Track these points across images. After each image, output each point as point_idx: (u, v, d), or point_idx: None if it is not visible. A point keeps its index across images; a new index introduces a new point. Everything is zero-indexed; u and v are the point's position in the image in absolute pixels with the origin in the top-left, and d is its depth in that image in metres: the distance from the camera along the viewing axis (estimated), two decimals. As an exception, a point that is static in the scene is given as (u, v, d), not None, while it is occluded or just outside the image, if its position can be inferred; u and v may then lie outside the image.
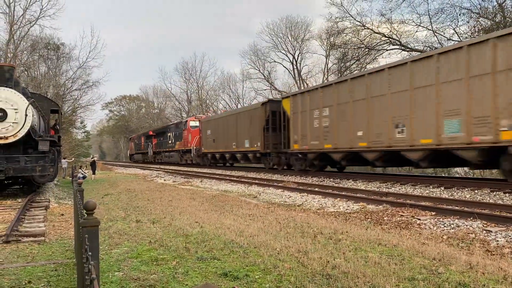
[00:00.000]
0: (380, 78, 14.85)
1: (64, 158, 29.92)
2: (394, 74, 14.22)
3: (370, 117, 15.33)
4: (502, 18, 24.92)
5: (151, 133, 48.67)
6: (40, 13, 30.90)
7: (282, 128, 21.68)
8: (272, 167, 23.57)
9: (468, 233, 6.97)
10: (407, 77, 13.64)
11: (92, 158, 32.34)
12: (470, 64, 11.55)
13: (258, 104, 24.85)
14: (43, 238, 7.20)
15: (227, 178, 20.68)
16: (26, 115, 12.92)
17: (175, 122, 44.79)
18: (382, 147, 14.79)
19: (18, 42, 31.45)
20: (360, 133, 15.80)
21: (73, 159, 33.61)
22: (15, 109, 12.82)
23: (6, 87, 12.98)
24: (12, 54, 30.40)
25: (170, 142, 41.11)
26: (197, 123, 35.11)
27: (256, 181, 17.84)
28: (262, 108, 23.53)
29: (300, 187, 14.72)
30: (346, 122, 16.58)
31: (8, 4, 29.91)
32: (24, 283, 4.74)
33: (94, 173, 29.15)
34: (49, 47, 35.92)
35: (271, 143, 22.81)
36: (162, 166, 39.96)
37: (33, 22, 31.32)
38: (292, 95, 20.92)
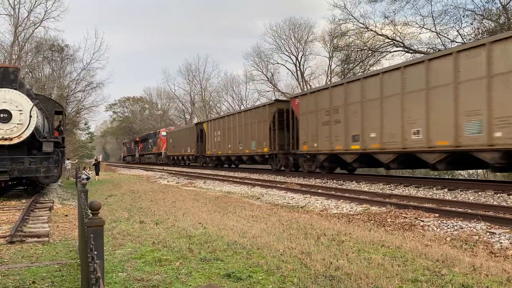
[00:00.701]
0: (394, 77, 14.42)
1: (68, 159, 30.07)
2: (409, 73, 13.80)
3: (383, 118, 14.88)
4: (506, 19, 24.86)
5: (137, 139, 59.53)
6: (44, 15, 31.15)
7: (291, 128, 21.46)
8: (279, 169, 23.24)
9: (472, 235, 6.95)
10: (423, 77, 13.23)
11: (96, 160, 32.50)
12: (490, 63, 11.20)
13: (263, 105, 24.78)
14: (47, 238, 7.23)
15: (230, 179, 20.69)
16: (30, 116, 12.99)
17: (153, 131, 56.00)
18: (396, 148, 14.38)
19: (23, 43, 31.64)
20: (373, 135, 15.42)
21: (76, 160, 33.75)
22: (19, 110, 12.90)
23: (10, 88, 13.07)
24: (16, 56, 30.59)
25: (149, 146, 52.60)
26: (167, 131, 45.41)
27: (259, 183, 17.84)
28: (269, 108, 23.61)
29: (303, 189, 14.72)
30: (357, 123, 16.35)
31: (13, 6, 30.14)
32: (28, 283, 4.77)
33: (98, 174, 29.29)
34: (53, 49, 36.11)
35: (278, 144, 22.83)
36: (165, 168, 40.06)
37: (38, 24, 31.57)
38: (301, 95, 20.80)
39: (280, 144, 22.49)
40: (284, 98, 25.09)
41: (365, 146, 15.83)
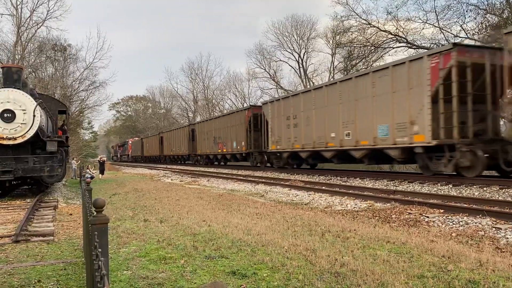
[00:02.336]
0: (334, 90, 18.01)
1: (73, 159, 30.22)
2: (343, 87, 17.35)
3: (327, 122, 18.37)
4: (510, 14, 24.70)
5: (119, 144, 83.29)
6: (47, 15, 31.15)
7: (264, 130, 24.90)
8: (256, 165, 26.97)
9: (477, 231, 6.92)
10: (352, 90, 16.92)
11: (101, 159, 32.68)
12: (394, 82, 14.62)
13: (242, 110, 29.11)
14: (52, 237, 7.24)
15: (234, 177, 20.69)
16: (34, 116, 13.01)
17: (125, 141, 78.06)
18: (336, 147, 17.94)
19: (26, 43, 31.70)
20: (319, 135, 18.99)
21: (79, 161, 33.88)
22: (23, 110, 12.93)
23: (14, 88, 13.09)
24: (19, 56, 30.64)
25: (124, 150, 75.97)
26: (132, 141, 68.34)
27: (263, 180, 17.84)
28: (246, 112, 28.08)
29: (307, 186, 14.70)
30: (310, 127, 19.78)
31: (15, 6, 30.17)
32: (33, 282, 4.78)
33: (102, 173, 29.44)
34: (56, 49, 36.14)
35: (254, 144, 26.82)
36: (169, 166, 40.12)
37: (40, 24, 31.58)
38: (270, 102, 24.55)
39: (256, 144, 26.35)
40: (259, 104, 28.60)
41: (314, 146, 19.34)
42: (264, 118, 24.67)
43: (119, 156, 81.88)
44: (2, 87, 13.39)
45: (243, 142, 27.24)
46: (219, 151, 31.63)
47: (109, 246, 5.68)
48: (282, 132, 22.15)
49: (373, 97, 15.49)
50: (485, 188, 11.23)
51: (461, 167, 12.60)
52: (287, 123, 21.67)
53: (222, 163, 34.28)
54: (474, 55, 12.68)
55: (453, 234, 6.75)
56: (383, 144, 15.02)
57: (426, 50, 21.52)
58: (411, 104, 13.68)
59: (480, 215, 7.86)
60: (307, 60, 50.13)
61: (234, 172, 25.46)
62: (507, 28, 13.01)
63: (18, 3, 30.22)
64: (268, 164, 25.95)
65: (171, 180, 23.14)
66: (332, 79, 35.22)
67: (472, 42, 23.20)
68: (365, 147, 15.99)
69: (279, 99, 23.41)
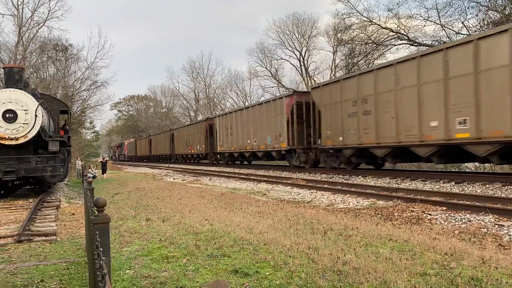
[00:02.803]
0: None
1: (78, 159, 30.35)
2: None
3: (420, 107, 13.58)
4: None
5: (117, 145, 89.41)
6: (48, 15, 31.13)
7: (312, 122, 20.38)
8: (298, 166, 22.09)
9: (480, 228, 6.90)
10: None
11: (103, 159, 32.85)
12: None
13: (280, 97, 23.44)
14: (54, 237, 7.26)
15: (236, 176, 20.69)
16: (36, 116, 13.03)
17: (121, 142, 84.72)
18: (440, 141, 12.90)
19: (27, 43, 31.71)
20: (409, 126, 14.11)
21: (83, 161, 34.01)
22: (25, 110, 12.94)
23: (16, 88, 13.11)
24: (21, 56, 30.67)
25: (122, 150, 79.46)
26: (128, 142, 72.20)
27: (265, 179, 17.83)
28: (204, 123, 27.58)
29: (309, 184, 14.69)
30: (237, 137, 19.25)
31: (16, 6, 30.19)
32: (36, 282, 4.79)
33: (105, 172, 29.54)
34: (57, 49, 36.16)
35: (209, 146, 25.33)
36: (171, 165, 40.15)
37: (41, 24, 31.57)
38: (325, 84, 19.51)
39: (299, 139, 21.27)
40: (304, 90, 25.02)
41: (400, 139, 14.42)
42: (313, 106, 20.06)
43: (117, 155, 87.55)
44: (4, 88, 13.41)
45: (282, 137, 22.24)
46: (248, 148, 26.79)
47: (111, 246, 5.70)
48: (342, 123, 17.44)
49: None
50: (487, 185, 11.21)
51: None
52: (351, 111, 16.82)
53: (246, 162, 30.76)
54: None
55: (456, 232, 6.74)
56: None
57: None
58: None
59: (483, 212, 7.84)
60: (308, 58, 50.09)
61: (236, 170, 25.45)
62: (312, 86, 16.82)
63: (19, 3, 30.26)
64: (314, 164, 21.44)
65: (173, 179, 23.16)
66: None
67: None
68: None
69: (338, 80, 18.36)
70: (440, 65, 12.75)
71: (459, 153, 13.04)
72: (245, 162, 31.26)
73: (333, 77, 42.06)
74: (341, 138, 17.74)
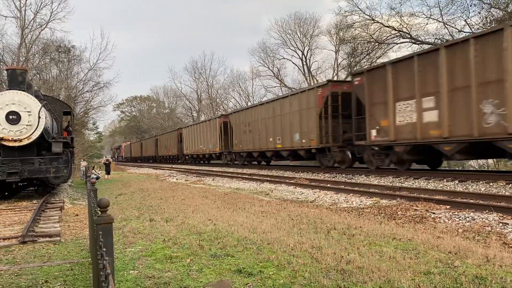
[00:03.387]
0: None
1: (82, 160, 30.50)
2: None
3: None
4: (515, 8, 24.50)
5: (116, 147, 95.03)
6: (50, 17, 31.26)
7: (354, 115, 17.46)
8: (332, 166, 19.62)
9: (484, 226, 6.88)
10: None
11: (107, 160, 33.10)
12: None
13: (311, 88, 20.69)
14: (58, 238, 7.28)
15: (239, 176, 20.70)
16: (39, 117, 13.07)
17: (119, 144, 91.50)
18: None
19: (30, 45, 31.82)
20: (262, 141, 16.79)
21: (87, 162, 34.17)
22: (28, 111, 12.98)
23: (19, 90, 13.15)
24: (24, 58, 30.78)
25: (121, 152, 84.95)
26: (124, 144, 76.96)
27: (268, 178, 17.83)
28: (218, 120, 26.58)
29: (312, 184, 14.68)
30: (257, 135, 19.46)
31: (19, 8, 30.29)
32: (41, 283, 4.80)
33: (109, 173, 29.70)
34: (60, 50, 36.28)
35: (224, 146, 23.76)
36: (174, 166, 40.21)
37: (44, 26, 31.69)
38: (370, 70, 16.72)
39: (334, 136, 18.56)
40: (341, 80, 22.37)
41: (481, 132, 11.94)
42: (354, 97, 17.13)
43: (116, 156, 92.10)
44: (7, 89, 13.46)
45: (312, 134, 19.40)
46: (270, 147, 23.92)
47: (115, 246, 5.71)
48: (394, 117, 14.58)
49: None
50: (491, 184, 11.17)
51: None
52: (406, 105, 14.01)
53: (265, 163, 28.27)
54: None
55: (460, 230, 6.72)
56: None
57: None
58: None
59: (487, 211, 7.81)
60: (310, 57, 50.04)
61: (239, 170, 25.45)
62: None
63: (22, 5, 30.37)
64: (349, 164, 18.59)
65: (177, 179, 23.19)
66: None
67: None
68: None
69: (395, 62, 15.02)
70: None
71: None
72: (263, 163, 28.51)
73: (336, 77, 41.91)
74: (391, 133, 14.88)
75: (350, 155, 18.15)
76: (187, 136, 41.44)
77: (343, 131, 18.44)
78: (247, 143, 27.17)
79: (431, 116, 13.39)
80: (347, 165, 18.41)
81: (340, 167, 18.64)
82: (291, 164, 27.80)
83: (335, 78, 41.81)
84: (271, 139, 23.68)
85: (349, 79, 19.42)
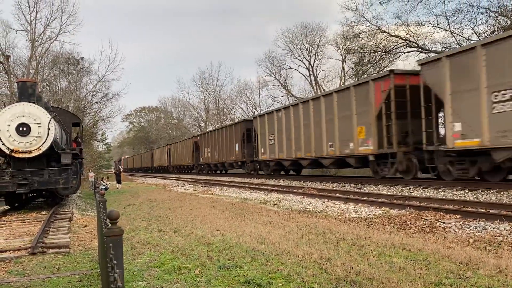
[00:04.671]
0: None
1: (90, 171, 30.78)
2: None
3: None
4: (522, 15, 24.42)
5: (118, 160, 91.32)
6: (60, 30, 31.68)
7: (254, 141, 26.51)
8: (250, 173, 28.64)
9: (496, 236, 6.79)
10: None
11: (118, 169, 33.66)
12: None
13: (367, 80, 16.88)
14: (67, 249, 7.30)
15: (246, 185, 20.67)
16: (48, 129, 13.19)
17: (120, 158, 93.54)
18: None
19: (40, 58, 32.24)
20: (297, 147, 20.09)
21: (95, 173, 34.54)
22: (38, 123, 13.12)
23: (29, 102, 13.31)
24: (34, 70, 31.18)
25: (121, 164, 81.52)
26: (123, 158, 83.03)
27: (275, 188, 17.78)
28: (240, 126, 30.02)
29: (321, 193, 14.61)
30: (290, 141, 20.93)
31: (29, 22, 30.76)
32: (50, 294, 4.81)
33: (120, 182, 30.10)
34: (69, 62, 36.73)
35: (247, 154, 28.50)
36: (182, 176, 40.26)
37: (54, 39, 32.11)
38: (259, 116, 25.91)
39: (403, 139, 15.54)
40: (407, 70, 17.52)
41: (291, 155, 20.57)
42: (255, 131, 18.90)
43: (118, 168, 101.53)
44: (18, 101, 13.62)
45: (371, 139, 16.04)
46: (308, 154, 20.63)
47: (124, 257, 5.71)
48: (267, 145, 16.01)
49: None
50: (502, 193, 11.04)
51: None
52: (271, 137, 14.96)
53: (294, 173, 25.86)
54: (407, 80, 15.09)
55: (471, 240, 6.64)
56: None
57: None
58: None
59: (498, 220, 7.72)
60: (317, 67, 50.03)
61: (247, 180, 25.43)
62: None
63: (32, 18, 30.83)
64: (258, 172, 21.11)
65: (184, 189, 23.21)
66: None
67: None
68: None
69: (263, 115, 16.96)
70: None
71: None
72: (292, 173, 25.99)
73: (343, 85, 41.92)
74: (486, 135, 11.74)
75: (417, 163, 15.02)
76: (203, 145, 39.52)
77: (410, 133, 15.47)
78: (275, 151, 24.15)
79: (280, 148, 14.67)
80: (413, 176, 15.28)
81: (403, 178, 15.50)
82: (317, 174, 27.32)
83: (342, 85, 41.66)
84: (309, 146, 20.60)
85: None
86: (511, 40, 11.03)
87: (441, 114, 14.73)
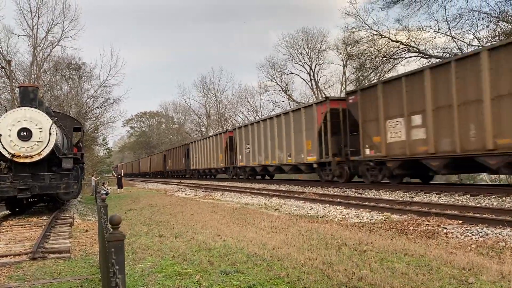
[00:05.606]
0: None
1: (92, 176, 30.85)
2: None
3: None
4: (523, 21, 24.45)
5: (114, 166, 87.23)
6: (61, 35, 31.75)
7: (349, 131, 18.21)
8: (232, 177, 24.61)
9: (498, 241, 6.76)
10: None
11: (119, 174, 33.82)
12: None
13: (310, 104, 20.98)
14: (68, 254, 7.28)
15: (248, 191, 20.64)
16: (50, 133, 13.21)
17: (119, 162, 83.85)
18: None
19: (41, 63, 32.32)
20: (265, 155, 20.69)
21: (98, 177, 34.60)
22: (39, 128, 13.13)
23: (30, 107, 13.33)
24: (35, 75, 31.24)
25: (117, 170, 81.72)
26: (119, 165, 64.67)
27: (277, 193, 17.75)
28: (223, 136, 27.55)
29: (322, 198, 14.58)
30: (260, 150, 21.71)
31: (31, 27, 30.87)
32: (51, 299, 4.79)
33: (121, 187, 30.14)
34: (70, 67, 36.80)
35: (229, 161, 25.09)
36: (183, 181, 40.23)
37: (55, 44, 32.19)
38: (238, 128, 23.20)
39: (334, 151, 19.08)
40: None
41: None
42: (348, 114, 17.57)
43: (115, 175, 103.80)
44: (19, 106, 13.65)
45: (315, 151, 19.79)
46: (274, 162, 24.02)
47: (125, 262, 5.69)
48: (387, 132, 15.36)
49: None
50: (504, 198, 11.01)
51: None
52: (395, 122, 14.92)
53: (268, 177, 29.21)
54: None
55: (473, 246, 6.61)
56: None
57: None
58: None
59: (500, 226, 7.69)
60: (318, 72, 50.26)
61: (248, 185, 25.39)
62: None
63: (34, 24, 30.94)
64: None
65: (185, 194, 23.17)
66: None
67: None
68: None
69: (375, 85, 16.41)
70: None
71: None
72: (267, 177, 29.68)
73: (344, 90, 41.99)
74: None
75: (348, 170, 18.52)
76: (194, 151, 42.03)
77: (343, 146, 18.74)
78: (250, 158, 27.68)
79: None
80: (345, 179, 18.76)
81: (338, 181, 19.00)
82: (294, 179, 28.72)
83: (343, 92, 41.80)
84: (274, 154, 24.20)
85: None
86: (396, 84, 15.20)
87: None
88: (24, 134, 12.97)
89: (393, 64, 33.06)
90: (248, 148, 27.92)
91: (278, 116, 24.31)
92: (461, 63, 12.71)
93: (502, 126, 11.48)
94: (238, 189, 22.12)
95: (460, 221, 8.50)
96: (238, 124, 52.49)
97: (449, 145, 13.11)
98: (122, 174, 35.40)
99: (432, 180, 17.94)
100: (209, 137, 38.29)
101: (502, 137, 11.47)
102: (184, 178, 45.70)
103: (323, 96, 44.48)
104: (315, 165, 20.04)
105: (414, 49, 30.56)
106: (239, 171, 30.72)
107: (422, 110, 14.01)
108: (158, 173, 59.34)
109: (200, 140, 41.48)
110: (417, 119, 14.33)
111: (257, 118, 50.21)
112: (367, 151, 16.80)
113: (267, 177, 29.60)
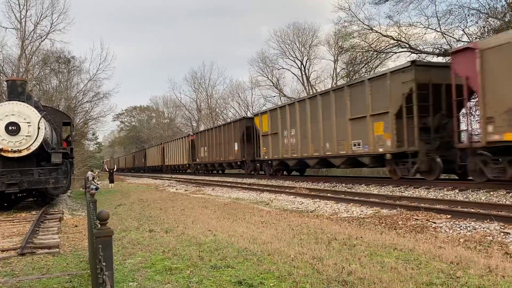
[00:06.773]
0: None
1: (91, 171, 30.79)
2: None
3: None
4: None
5: (103, 161, 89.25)
6: (50, 28, 31.45)
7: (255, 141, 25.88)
8: (250, 173, 27.74)
9: (486, 236, 6.84)
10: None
11: (111, 169, 33.77)
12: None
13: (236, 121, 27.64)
14: (57, 249, 7.23)
15: (239, 185, 20.64)
16: (38, 128, 13.06)
17: (103, 160, 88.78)
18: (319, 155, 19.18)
19: (30, 56, 31.95)
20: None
21: (96, 172, 34.47)
22: (28, 122, 12.98)
23: (18, 101, 13.16)
24: (24, 69, 30.88)
25: (104, 166, 79.94)
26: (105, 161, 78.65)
27: (268, 188, 17.78)
28: (239, 124, 28.62)
29: (312, 193, 14.63)
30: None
31: (19, 20, 30.47)
32: (39, 295, 4.75)
33: (112, 182, 30.08)
34: (60, 61, 36.42)
35: (249, 153, 27.36)
36: (173, 176, 40.12)
37: (44, 37, 31.86)
38: (261, 113, 25.29)
39: (249, 153, 21.42)
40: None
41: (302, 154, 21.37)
42: (255, 130, 20.24)
43: (106, 170, 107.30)
44: (7, 100, 13.47)
45: (386, 135, 14.99)
46: (317, 154, 19.28)
47: (114, 257, 5.66)
48: (270, 144, 20.10)
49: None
50: (491, 193, 11.14)
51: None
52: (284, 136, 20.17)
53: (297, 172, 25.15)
54: None
55: (461, 240, 6.68)
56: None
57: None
58: None
59: (488, 220, 7.78)
60: (309, 67, 50.19)
61: (239, 180, 25.39)
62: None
63: (22, 17, 30.56)
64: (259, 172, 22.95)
65: (176, 189, 23.12)
66: None
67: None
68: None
69: (267, 111, 20.79)
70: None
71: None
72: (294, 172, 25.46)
73: (334, 85, 42.08)
74: None
75: (441, 163, 13.69)
76: (199, 144, 37.40)
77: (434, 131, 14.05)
78: (280, 149, 22.74)
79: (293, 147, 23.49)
80: (435, 177, 13.97)
81: (425, 179, 14.29)
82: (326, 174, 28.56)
83: (334, 85, 41.78)
84: (318, 144, 19.15)
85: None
86: (284, 109, 22.70)
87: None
88: (12, 129, 12.80)
89: (384, 59, 33.23)
90: (275, 138, 23.32)
91: (325, 93, 19.03)
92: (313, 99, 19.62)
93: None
94: (229, 184, 22.12)
95: (449, 216, 8.58)
96: (230, 119, 51.96)
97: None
98: (114, 169, 35.25)
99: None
100: (220, 126, 33.40)
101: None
102: (186, 173, 42.57)
103: (315, 90, 44.45)
104: (388, 156, 15.15)
105: (405, 44, 30.68)
106: (261, 166, 26.60)
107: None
108: (156, 168, 53.59)
109: (208, 130, 36.31)
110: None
111: (255, 111, 47.89)
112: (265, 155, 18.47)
113: (294, 172, 25.48)
